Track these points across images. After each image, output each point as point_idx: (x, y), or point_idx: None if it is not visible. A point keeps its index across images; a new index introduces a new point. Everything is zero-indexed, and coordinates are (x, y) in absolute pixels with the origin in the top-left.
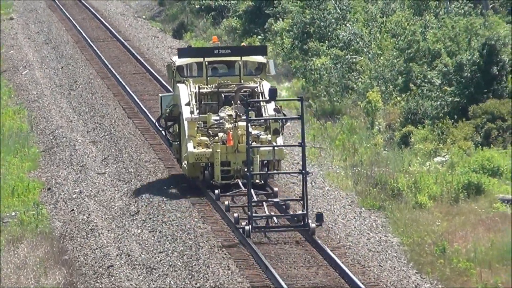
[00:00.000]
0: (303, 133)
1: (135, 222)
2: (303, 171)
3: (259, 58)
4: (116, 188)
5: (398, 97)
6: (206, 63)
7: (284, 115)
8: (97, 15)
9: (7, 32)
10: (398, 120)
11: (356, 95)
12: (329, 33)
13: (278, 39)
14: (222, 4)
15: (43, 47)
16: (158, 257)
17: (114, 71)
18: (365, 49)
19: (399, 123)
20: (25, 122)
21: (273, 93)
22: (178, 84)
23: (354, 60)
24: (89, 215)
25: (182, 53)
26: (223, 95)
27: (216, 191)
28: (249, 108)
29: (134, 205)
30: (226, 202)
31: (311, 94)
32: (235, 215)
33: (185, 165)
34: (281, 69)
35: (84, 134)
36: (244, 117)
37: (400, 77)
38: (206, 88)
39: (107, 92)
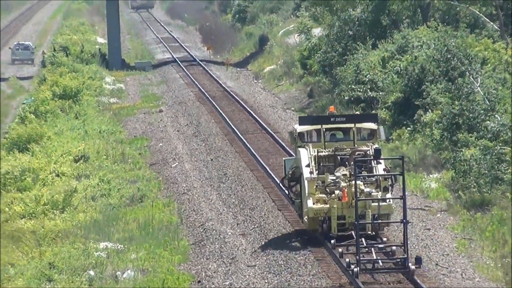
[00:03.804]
0: (404, 187)
1: None
2: (404, 220)
3: (371, 125)
4: (266, 281)
5: None
6: (324, 129)
7: (394, 175)
8: (246, 107)
9: (156, 125)
10: None
11: (505, 186)
12: (478, 124)
13: (427, 130)
14: (372, 95)
15: (192, 140)
16: None
17: (263, 163)
18: None
19: None
20: (175, 214)
21: (377, 152)
22: (299, 149)
23: (503, 151)
24: None
25: (302, 121)
26: (339, 158)
27: (332, 241)
28: (362, 168)
29: None
30: (340, 250)
31: (460, 185)
32: (347, 260)
33: (305, 220)
34: (430, 160)
35: (234, 226)
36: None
37: None
38: (324, 152)
39: (257, 184)
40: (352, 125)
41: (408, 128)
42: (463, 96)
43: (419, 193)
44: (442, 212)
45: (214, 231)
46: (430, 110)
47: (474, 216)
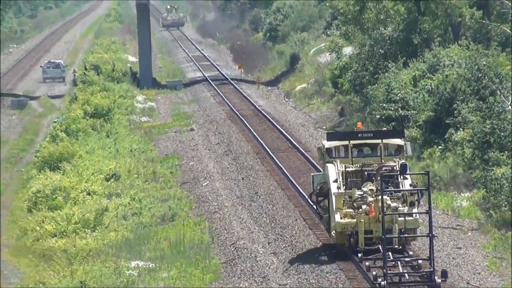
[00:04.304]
0: (430, 202)
1: None
2: (430, 234)
3: (398, 141)
4: None
5: None
6: (352, 145)
7: (420, 190)
8: (277, 125)
9: (187, 143)
10: None
11: None
12: (509, 143)
13: (458, 149)
14: (403, 114)
15: (224, 158)
16: None
17: (294, 182)
18: None
19: None
20: (206, 233)
21: (403, 167)
22: (327, 164)
23: None
24: None
25: (330, 137)
26: (366, 173)
27: (360, 255)
28: (389, 183)
29: None
30: (367, 263)
31: (491, 204)
32: (374, 273)
33: (333, 234)
34: (461, 179)
35: (265, 245)
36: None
37: None
38: (352, 167)
39: (288, 203)
40: (379, 141)
41: (439, 147)
42: (494, 115)
43: (450, 212)
44: (473, 231)
45: (246, 249)
46: (461, 129)
47: (505, 235)
